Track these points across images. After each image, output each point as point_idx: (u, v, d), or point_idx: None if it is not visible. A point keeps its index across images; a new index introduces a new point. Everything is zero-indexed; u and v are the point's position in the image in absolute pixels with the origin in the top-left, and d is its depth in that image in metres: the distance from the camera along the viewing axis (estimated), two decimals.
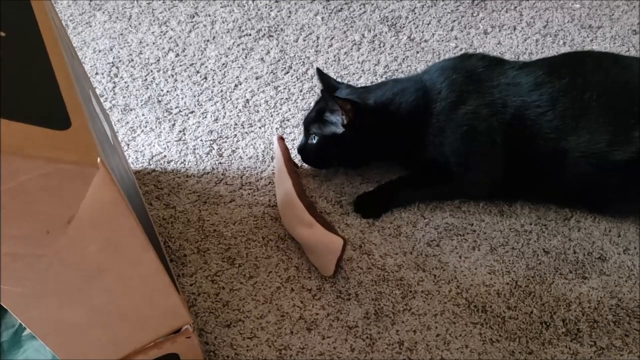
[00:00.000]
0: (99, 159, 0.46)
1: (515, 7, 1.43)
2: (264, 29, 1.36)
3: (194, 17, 1.39)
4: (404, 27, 1.37)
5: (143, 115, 1.15)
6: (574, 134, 0.91)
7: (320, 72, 1.07)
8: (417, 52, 1.31)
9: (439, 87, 0.95)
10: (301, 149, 1.04)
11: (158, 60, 1.28)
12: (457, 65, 0.98)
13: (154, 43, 1.32)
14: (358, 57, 1.29)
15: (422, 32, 1.37)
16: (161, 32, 1.35)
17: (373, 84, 1.07)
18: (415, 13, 1.41)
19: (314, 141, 1.01)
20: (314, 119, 1.01)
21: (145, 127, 1.13)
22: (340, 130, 0.97)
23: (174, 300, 0.65)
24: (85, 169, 0.46)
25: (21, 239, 0.46)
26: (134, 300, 0.60)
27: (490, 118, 0.93)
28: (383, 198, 1.01)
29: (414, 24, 1.38)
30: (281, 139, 1.03)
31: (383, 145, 0.99)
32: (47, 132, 0.45)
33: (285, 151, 1.01)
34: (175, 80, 1.24)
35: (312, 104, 1.08)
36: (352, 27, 1.37)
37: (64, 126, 0.47)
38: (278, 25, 1.37)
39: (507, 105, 0.92)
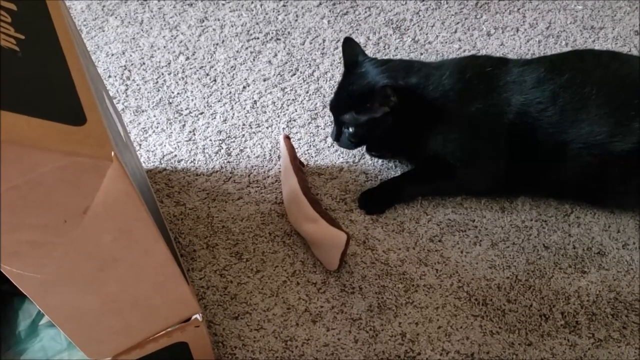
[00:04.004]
0: (112, 153, 0.49)
1: (519, 9, 1.45)
2: (272, 33, 1.39)
3: (203, 21, 1.42)
4: (408, 29, 1.40)
5: (154, 116, 1.19)
6: (575, 126, 0.93)
7: (347, 44, 1.07)
8: (421, 54, 1.34)
9: (451, 84, 0.97)
10: (336, 140, 1.07)
11: (169, 63, 1.31)
12: (468, 65, 1.01)
13: (164, 47, 1.35)
14: None
15: (426, 34, 1.39)
16: (172, 36, 1.38)
17: (395, 59, 1.07)
18: (419, 15, 1.44)
19: (350, 130, 1.02)
20: (345, 106, 1.02)
21: (157, 127, 1.17)
22: (379, 114, 0.99)
23: (183, 290, 0.68)
24: (100, 161, 0.49)
25: (40, 228, 0.49)
26: (146, 289, 0.63)
27: (497, 117, 0.96)
28: (387, 194, 1.04)
29: (418, 26, 1.41)
30: (287, 138, 1.06)
31: (404, 132, 1.01)
32: (64, 128, 0.48)
33: (291, 150, 1.04)
34: (186, 82, 1.27)
35: (337, 84, 1.08)
36: (357, 29, 1.40)
37: (80, 122, 0.50)
38: (285, 28, 1.40)
39: (511, 104, 0.95)
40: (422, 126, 0.99)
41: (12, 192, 0.46)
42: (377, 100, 0.97)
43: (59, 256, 0.53)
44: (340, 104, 1.04)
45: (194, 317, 0.73)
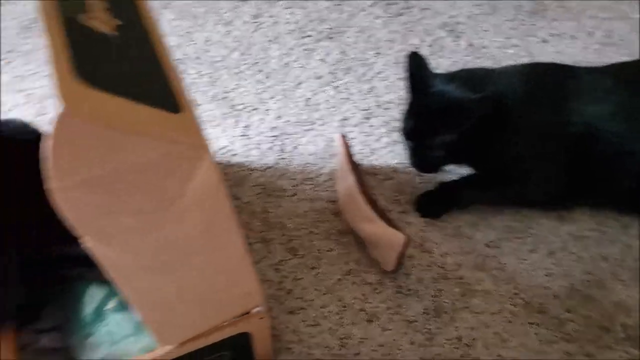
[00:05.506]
0: (207, 143, 0.50)
1: (576, 17, 1.43)
2: (325, 31, 1.39)
3: (257, 17, 1.43)
4: (463, 32, 1.39)
5: (210, 110, 1.20)
6: None
7: (413, 59, 0.99)
8: (477, 58, 1.33)
9: (518, 91, 0.95)
10: (419, 166, 1.01)
11: (223, 58, 1.32)
12: (534, 72, 0.99)
13: (219, 41, 1.37)
14: None
15: (481, 38, 1.38)
16: (226, 31, 1.39)
17: (458, 70, 1.03)
18: (474, 20, 1.43)
19: (441, 153, 0.96)
20: (430, 129, 0.96)
21: (212, 121, 1.18)
22: (467, 126, 0.93)
23: (253, 283, 0.68)
24: (197, 151, 0.49)
25: (136, 213, 0.50)
26: (220, 280, 0.64)
27: (563, 126, 0.94)
28: (445, 198, 1.03)
29: (473, 30, 1.40)
30: (343, 137, 1.06)
31: (475, 141, 0.96)
32: (163, 115, 0.49)
33: (348, 149, 1.04)
34: (240, 78, 1.28)
35: (407, 108, 1.00)
36: (411, 31, 1.40)
37: (176, 110, 0.51)
38: (338, 27, 1.40)
39: (578, 113, 0.93)
40: (490, 134, 0.96)
41: (113, 177, 0.47)
42: (474, 114, 0.92)
43: (150, 242, 0.53)
44: (422, 128, 0.97)
45: (258, 308, 0.73)
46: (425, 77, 0.98)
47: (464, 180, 1.05)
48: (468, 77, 0.97)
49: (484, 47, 1.36)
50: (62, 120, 0.41)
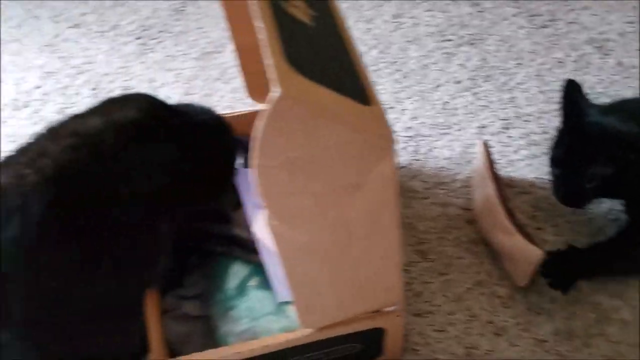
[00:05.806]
0: (393, 138, 0.51)
1: None
2: (466, 37, 1.38)
3: (398, 17, 1.44)
4: (612, 50, 1.33)
5: None
6: None
7: (570, 87, 0.93)
8: (626, 78, 1.26)
9: None
10: (569, 196, 0.93)
11: (362, 55, 1.33)
12: None
13: (359, 38, 1.38)
14: (561, 75, 1.27)
15: (632, 57, 1.31)
16: (367, 29, 1.41)
17: (615, 101, 0.98)
18: (624, 38, 1.36)
19: (598, 183, 0.89)
20: (586, 158, 0.89)
21: None
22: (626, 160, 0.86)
23: (398, 278, 0.69)
24: (384, 144, 0.51)
25: (320, 196, 0.52)
26: (372, 272, 0.65)
27: None
28: (576, 266, 0.92)
29: (623, 48, 1.33)
30: (485, 144, 1.04)
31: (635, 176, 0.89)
32: (356, 105, 0.51)
33: (489, 157, 1.02)
34: (378, 75, 1.29)
35: (559, 136, 0.95)
36: (556, 44, 1.35)
37: (366, 102, 0.52)
38: (480, 34, 1.38)
39: None
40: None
41: (308, 160, 0.49)
42: (635, 149, 0.85)
43: (325, 226, 0.55)
44: (574, 158, 0.90)
45: (396, 306, 0.74)
46: (582, 105, 0.91)
47: (599, 246, 0.95)
48: (630, 109, 0.91)
49: (634, 67, 1.29)
50: (278, 104, 0.43)
